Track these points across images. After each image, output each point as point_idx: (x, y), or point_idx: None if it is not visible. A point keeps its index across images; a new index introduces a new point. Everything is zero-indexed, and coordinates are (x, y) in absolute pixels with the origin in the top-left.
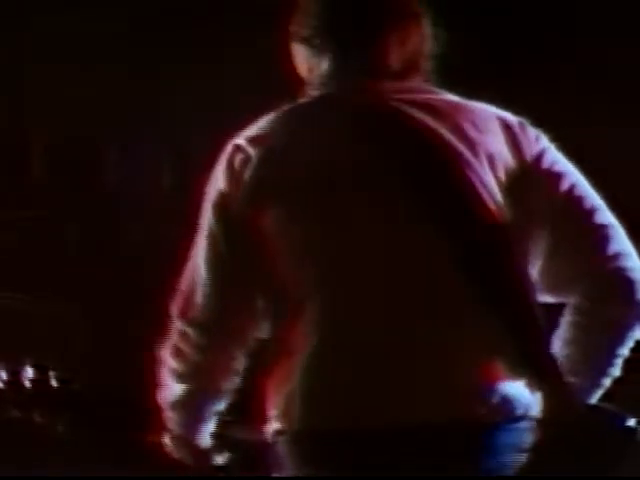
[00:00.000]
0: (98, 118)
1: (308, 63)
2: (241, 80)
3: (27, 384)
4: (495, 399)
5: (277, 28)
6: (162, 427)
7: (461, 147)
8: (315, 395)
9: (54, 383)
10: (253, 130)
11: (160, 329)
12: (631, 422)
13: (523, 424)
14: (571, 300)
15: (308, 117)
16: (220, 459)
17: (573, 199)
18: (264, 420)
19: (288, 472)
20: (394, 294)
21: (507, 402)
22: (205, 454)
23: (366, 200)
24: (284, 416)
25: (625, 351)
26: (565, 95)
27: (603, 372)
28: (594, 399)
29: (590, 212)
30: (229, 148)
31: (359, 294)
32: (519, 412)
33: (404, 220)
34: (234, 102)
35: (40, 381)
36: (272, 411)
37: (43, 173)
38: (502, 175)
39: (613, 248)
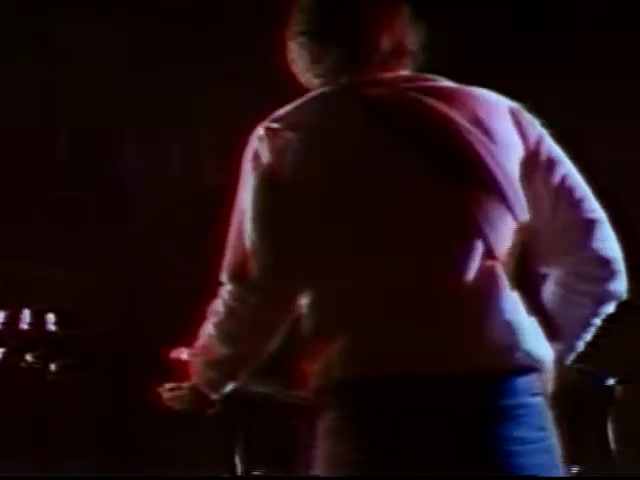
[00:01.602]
0: (116, 110)
1: (304, 59)
2: (248, 79)
3: (24, 327)
4: (520, 352)
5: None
6: (163, 376)
7: (481, 135)
8: (356, 348)
9: (52, 327)
10: (286, 116)
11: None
12: (610, 381)
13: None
14: (556, 272)
15: (330, 107)
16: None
17: (566, 186)
18: (302, 377)
19: (329, 420)
20: (422, 263)
21: (530, 353)
22: (210, 406)
23: (390, 188)
24: (324, 371)
25: (598, 321)
26: (560, 86)
27: (579, 337)
28: (569, 360)
29: (580, 201)
30: (265, 130)
31: (389, 261)
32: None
33: (427, 206)
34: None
35: (37, 324)
36: (313, 367)
37: (67, 158)
38: (516, 161)
39: (599, 237)
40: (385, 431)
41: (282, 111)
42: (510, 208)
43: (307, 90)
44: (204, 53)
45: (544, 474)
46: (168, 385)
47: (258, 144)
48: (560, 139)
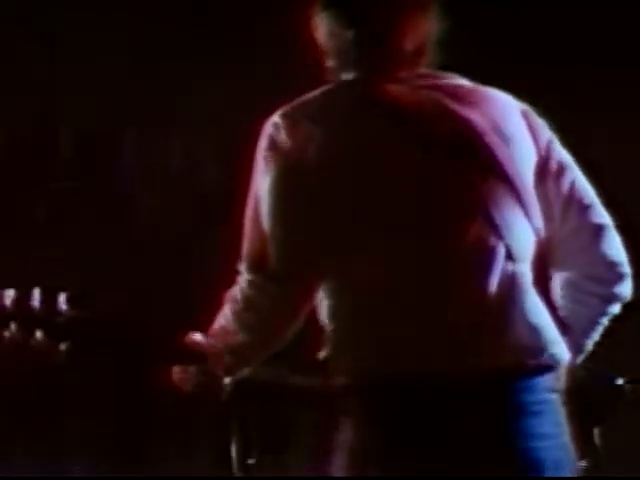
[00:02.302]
0: (117, 108)
1: (331, 47)
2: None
3: (34, 305)
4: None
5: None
6: (174, 359)
7: (497, 138)
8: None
9: (63, 307)
10: (304, 106)
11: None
12: (619, 381)
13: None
14: (565, 274)
15: (347, 101)
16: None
17: (575, 192)
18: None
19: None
20: (435, 259)
21: (550, 352)
22: (221, 390)
23: (406, 187)
24: (352, 368)
25: (605, 321)
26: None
27: (587, 336)
28: (579, 360)
29: (589, 206)
30: (282, 119)
31: (402, 255)
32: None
33: (446, 207)
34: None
35: (48, 303)
36: (336, 363)
37: (70, 153)
38: (530, 166)
39: (607, 241)
40: (413, 428)
41: (299, 101)
42: (527, 212)
43: (308, 88)
44: (205, 53)
45: (561, 469)
46: (179, 367)
47: (275, 133)
48: (565, 142)
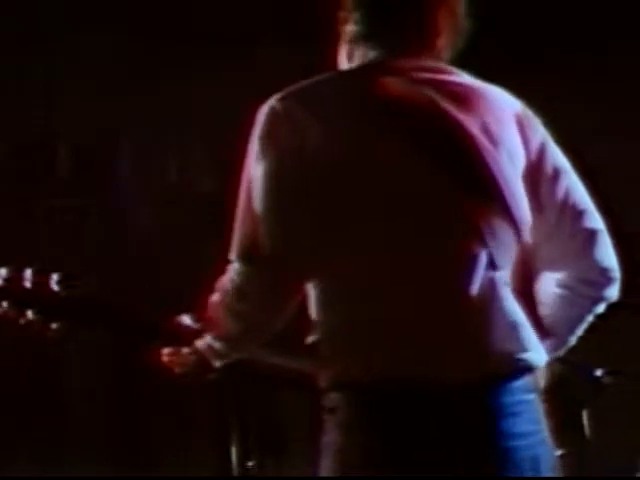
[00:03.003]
0: (113, 122)
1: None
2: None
3: (27, 284)
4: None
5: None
6: (164, 342)
7: (488, 143)
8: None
9: (55, 287)
10: (301, 94)
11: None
12: (598, 372)
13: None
14: (559, 276)
15: (343, 93)
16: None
17: (570, 199)
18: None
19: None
20: (417, 262)
21: (528, 356)
22: (210, 372)
23: (394, 189)
24: (341, 370)
25: (590, 319)
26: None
27: (573, 333)
28: (562, 353)
29: (583, 212)
30: (280, 106)
31: (393, 260)
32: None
33: (431, 212)
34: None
35: (40, 283)
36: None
37: (69, 170)
38: (520, 172)
39: (601, 246)
40: (397, 431)
41: (297, 87)
42: (513, 221)
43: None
44: (203, 60)
45: (540, 465)
46: (170, 349)
47: (271, 118)
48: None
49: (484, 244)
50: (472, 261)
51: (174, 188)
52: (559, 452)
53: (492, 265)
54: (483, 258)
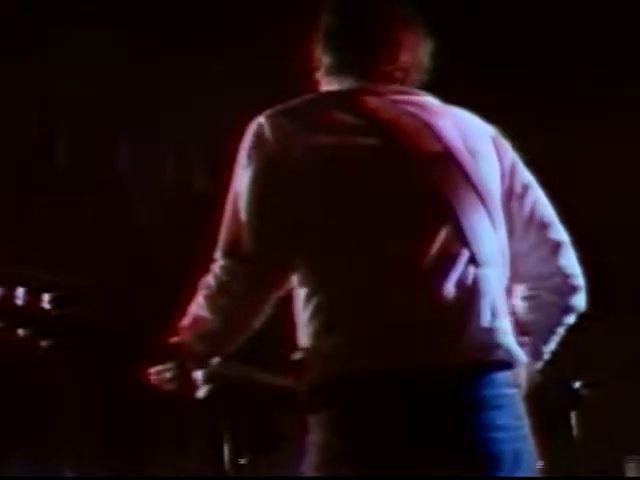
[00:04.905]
0: (110, 118)
1: (319, 60)
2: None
3: (18, 302)
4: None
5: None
6: (155, 359)
7: (468, 155)
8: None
9: (46, 306)
10: (288, 111)
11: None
12: (576, 385)
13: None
14: (526, 284)
15: (329, 110)
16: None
17: (536, 212)
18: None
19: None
20: (402, 260)
21: (507, 351)
22: (195, 387)
23: (377, 191)
24: (320, 365)
25: (562, 331)
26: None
27: (546, 343)
28: (538, 367)
29: (548, 224)
30: (267, 121)
31: (378, 262)
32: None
33: (414, 212)
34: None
35: (31, 302)
36: (308, 360)
37: (66, 164)
38: (495, 180)
39: (565, 256)
40: (379, 424)
41: (284, 105)
42: (492, 220)
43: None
44: (201, 58)
45: (521, 460)
46: (157, 367)
47: (259, 132)
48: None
49: (466, 243)
50: (453, 258)
51: (171, 185)
52: (539, 464)
53: (474, 262)
54: (464, 255)
